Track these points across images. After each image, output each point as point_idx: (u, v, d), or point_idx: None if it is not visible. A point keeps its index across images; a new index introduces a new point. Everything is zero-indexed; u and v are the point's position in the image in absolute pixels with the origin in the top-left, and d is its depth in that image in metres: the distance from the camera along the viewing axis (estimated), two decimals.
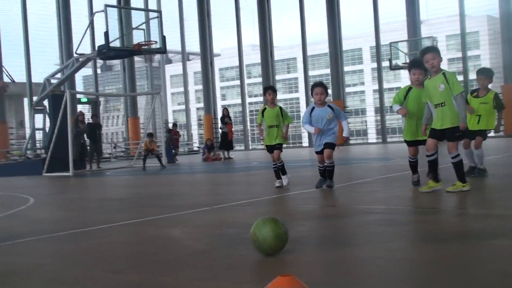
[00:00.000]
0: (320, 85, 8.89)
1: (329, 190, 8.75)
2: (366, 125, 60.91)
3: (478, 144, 9.56)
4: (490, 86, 9.77)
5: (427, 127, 7.82)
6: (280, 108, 9.94)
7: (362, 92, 79.44)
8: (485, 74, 9.70)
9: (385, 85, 34.26)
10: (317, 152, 9.09)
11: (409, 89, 8.25)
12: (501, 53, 30.17)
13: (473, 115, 9.52)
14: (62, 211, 8.96)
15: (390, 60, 30.38)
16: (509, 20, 28.63)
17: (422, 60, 7.61)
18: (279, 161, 9.78)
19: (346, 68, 35.91)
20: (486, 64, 62.43)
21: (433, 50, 7.71)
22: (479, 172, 9.62)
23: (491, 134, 30.45)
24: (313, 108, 8.87)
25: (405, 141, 8.46)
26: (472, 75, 56.60)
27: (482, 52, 64.49)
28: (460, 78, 32.50)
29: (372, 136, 45.48)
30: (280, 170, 9.84)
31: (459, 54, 33.41)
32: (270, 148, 9.89)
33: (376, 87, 39.24)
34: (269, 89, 9.93)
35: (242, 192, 8.80)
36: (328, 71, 37.19)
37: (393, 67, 30.96)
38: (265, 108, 9.92)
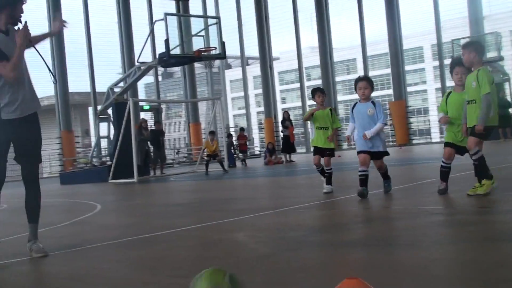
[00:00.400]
0: (364, 79, 8.46)
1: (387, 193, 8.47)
2: (429, 124, 59.90)
3: None
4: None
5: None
6: (331, 110, 9.68)
7: (424, 91, 78.17)
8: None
9: (448, 83, 33.61)
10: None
11: (448, 94, 7.86)
12: None
13: None
14: (127, 217, 9.12)
15: (452, 58, 29.80)
16: None
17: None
18: (328, 168, 9.48)
19: (407, 67, 35.44)
20: None
21: (467, 46, 7.41)
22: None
23: None
24: (355, 105, 8.48)
25: (444, 143, 7.91)
26: None
27: None
28: None
29: (435, 136, 44.67)
30: (328, 177, 9.47)
31: None
32: (317, 150, 9.52)
33: (439, 85, 38.54)
34: (318, 91, 9.62)
35: (304, 195, 8.76)
36: (388, 71, 36.75)
37: None
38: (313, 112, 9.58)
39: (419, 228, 5.55)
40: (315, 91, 9.63)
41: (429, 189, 8.28)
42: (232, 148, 25.91)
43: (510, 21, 48.54)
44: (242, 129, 28.73)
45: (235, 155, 26.27)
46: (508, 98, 27.83)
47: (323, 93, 9.59)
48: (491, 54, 28.91)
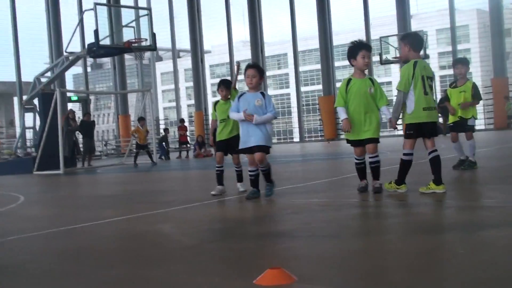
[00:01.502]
0: (253, 66, 7.72)
1: (272, 196, 7.73)
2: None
3: (469, 136, 9.70)
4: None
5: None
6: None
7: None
8: (462, 62, 9.66)
9: (376, 80, 34.29)
10: (240, 151, 7.78)
11: (348, 81, 7.32)
12: (491, 46, 30.27)
13: (455, 104, 9.62)
14: (51, 208, 8.94)
15: (380, 55, 30.42)
16: (498, 14, 28.74)
17: None
18: (238, 166, 8.81)
19: (336, 63, 35.96)
20: (476, 57, 62.65)
21: (403, 38, 7.30)
22: (469, 164, 9.65)
23: (482, 126, 30.41)
24: (242, 94, 7.73)
25: (350, 142, 7.48)
26: None
27: (472, 45, 64.64)
28: (450, 72, 32.56)
29: None
30: (238, 176, 8.85)
31: (449, 48, 33.50)
32: (223, 144, 8.58)
33: None
34: (221, 84, 8.78)
35: (232, 188, 8.79)
36: (318, 66, 37.20)
37: (384, 62, 31.01)
38: (217, 102, 8.90)
39: (343, 220, 5.67)
40: (219, 84, 8.83)
41: (354, 183, 8.45)
42: (165, 142, 25.77)
43: (436, 20, 49.90)
44: (182, 120, 28.61)
45: (176, 147, 26.27)
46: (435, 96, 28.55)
47: (227, 87, 8.63)
48: None
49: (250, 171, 7.91)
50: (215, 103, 8.91)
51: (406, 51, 7.00)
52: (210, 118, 9.39)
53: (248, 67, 7.72)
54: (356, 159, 7.51)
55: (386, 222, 5.52)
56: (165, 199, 8.84)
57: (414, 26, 34.63)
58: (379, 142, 7.35)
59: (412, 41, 7.01)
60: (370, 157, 7.35)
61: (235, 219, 6.38)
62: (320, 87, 37.62)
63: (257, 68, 7.73)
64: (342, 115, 7.27)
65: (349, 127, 7.18)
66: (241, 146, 7.67)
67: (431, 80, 7.00)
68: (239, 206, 7.30)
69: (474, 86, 9.60)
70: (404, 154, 7.00)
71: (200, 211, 7.06)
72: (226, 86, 8.71)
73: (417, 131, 6.91)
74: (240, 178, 8.85)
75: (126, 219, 6.80)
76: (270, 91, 55.62)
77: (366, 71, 7.39)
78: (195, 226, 5.92)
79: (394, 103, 7.02)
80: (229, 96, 8.64)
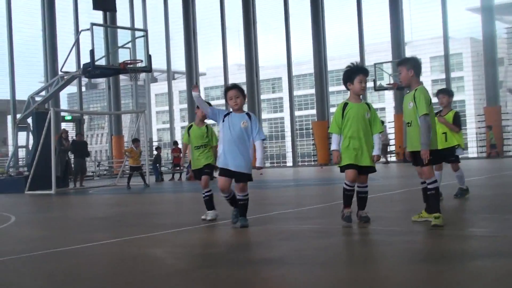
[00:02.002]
0: (234, 87, 7.34)
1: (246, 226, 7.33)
2: None
3: (455, 167, 9.58)
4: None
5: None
6: (207, 127, 8.67)
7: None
8: (444, 92, 9.64)
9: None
10: (221, 173, 7.23)
11: (344, 105, 7.03)
12: (484, 75, 30.49)
13: (439, 133, 9.26)
14: (43, 229, 8.89)
15: (374, 81, 30.55)
16: (491, 43, 28.99)
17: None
18: (207, 189, 8.47)
19: (331, 88, 36.10)
20: (470, 85, 63.04)
21: (404, 62, 6.88)
22: (461, 192, 9.64)
23: (474, 155, 30.40)
24: (229, 113, 7.27)
25: (344, 166, 6.97)
26: (456, 96, 57.11)
27: (466, 74, 65.07)
28: None
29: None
30: (207, 201, 8.46)
31: (443, 76, 33.69)
32: (199, 173, 8.56)
33: None
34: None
35: (225, 212, 8.77)
36: (313, 91, 37.34)
37: (378, 88, 31.13)
38: (191, 126, 8.70)
39: (335, 247, 5.66)
40: (197, 105, 8.24)
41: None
42: (158, 163, 25.73)
43: (430, 47, 50.27)
44: (175, 142, 28.57)
45: (169, 168, 26.20)
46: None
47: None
48: None
49: (224, 196, 7.47)
50: (189, 127, 8.69)
51: (410, 76, 6.70)
52: (181, 141, 9.07)
53: (228, 89, 7.37)
54: (347, 184, 6.95)
55: (378, 250, 5.52)
56: (157, 222, 8.80)
57: (408, 53, 34.82)
58: (375, 170, 7.11)
59: (416, 66, 6.77)
60: (361, 187, 7.05)
61: (227, 244, 6.36)
62: (314, 111, 37.71)
63: (238, 88, 7.36)
64: (333, 144, 6.99)
65: (340, 159, 6.92)
66: (220, 165, 7.21)
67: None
68: (231, 231, 7.28)
69: (456, 116, 9.53)
70: (430, 183, 6.55)
71: (192, 235, 7.04)
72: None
73: (435, 158, 6.65)
74: (210, 205, 8.41)
75: (117, 242, 6.77)
76: (264, 115, 55.78)
77: (362, 96, 7.19)
78: (187, 250, 5.90)
79: (421, 130, 6.45)
80: (205, 120, 8.50)
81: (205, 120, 8.67)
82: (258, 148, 7.23)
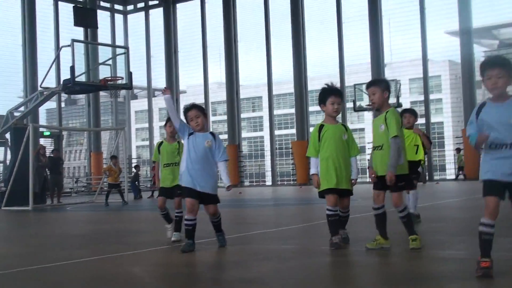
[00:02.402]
0: (193, 107, 7.05)
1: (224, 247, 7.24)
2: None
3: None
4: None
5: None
6: (179, 143, 8.30)
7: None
8: (409, 112, 9.22)
9: (349, 126, 34.56)
10: (188, 194, 6.86)
11: (320, 127, 6.80)
12: (462, 97, 30.83)
13: (412, 145, 8.92)
14: (20, 246, 8.79)
15: (354, 102, 30.75)
16: (470, 66, 29.34)
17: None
18: (179, 210, 8.21)
19: (311, 108, 36.23)
20: (448, 107, 63.65)
21: (375, 83, 6.62)
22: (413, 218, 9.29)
23: (452, 176, 30.57)
24: (193, 133, 6.98)
25: (324, 190, 6.72)
26: (434, 118, 57.69)
27: (444, 96, 65.71)
28: (422, 120, 33.09)
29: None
30: (178, 222, 8.20)
31: (422, 97, 33.97)
32: (166, 191, 8.31)
33: None
34: (168, 121, 8.20)
35: (204, 230, 8.74)
36: (293, 110, 37.47)
37: (357, 109, 31.32)
38: (161, 142, 8.49)
39: (314, 267, 5.66)
40: (168, 119, 8.16)
41: (326, 230, 8.46)
42: (137, 180, 25.63)
43: (409, 69, 50.76)
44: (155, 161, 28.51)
45: (147, 186, 26.16)
46: None
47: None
48: (390, 101, 30.06)
49: (188, 220, 6.91)
50: (159, 144, 8.47)
51: (384, 98, 6.49)
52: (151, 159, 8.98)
53: (188, 109, 7.04)
54: (329, 209, 6.67)
55: (357, 271, 5.54)
56: (136, 240, 8.76)
57: (388, 75, 35.18)
58: (352, 194, 6.96)
59: (389, 88, 6.61)
60: (343, 212, 6.90)
61: (206, 263, 6.34)
62: (293, 131, 37.82)
63: (197, 108, 7.04)
64: (312, 168, 6.75)
65: (318, 184, 6.67)
66: (186, 184, 6.89)
67: None
68: (209, 250, 7.26)
69: (425, 134, 9.44)
70: (401, 211, 6.35)
71: (171, 254, 7.01)
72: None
73: (407, 183, 6.50)
74: (178, 226, 8.15)
75: (95, 259, 6.72)
76: (244, 134, 55.76)
77: (339, 118, 7.03)
78: (166, 269, 5.87)
79: (391, 152, 6.23)
80: (176, 136, 8.31)
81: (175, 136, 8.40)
82: (222, 169, 6.98)
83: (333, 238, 6.64)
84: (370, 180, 6.46)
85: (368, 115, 52.37)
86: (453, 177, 30.91)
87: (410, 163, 7.19)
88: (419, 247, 6.25)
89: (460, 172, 29.48)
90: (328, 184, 6.63)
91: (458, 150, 30.11)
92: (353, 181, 6.76)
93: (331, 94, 6.76)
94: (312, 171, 6.75)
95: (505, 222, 8.75)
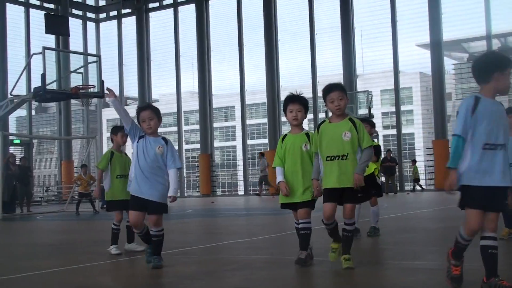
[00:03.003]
0: (148, 108, 6.58)
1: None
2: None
3: (374, 201, 8.75)
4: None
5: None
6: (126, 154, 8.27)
7: None
8: (366, 121, 8.76)
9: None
10: (132, 204, 6.50)
11: (284, 137, 6.60)
12: (433, 109, 31.17)
13: None
14: None
15: (326, 112, 30.86)
16: (440, 78, 29.66)
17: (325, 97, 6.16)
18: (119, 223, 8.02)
19: (283, 118, 36.34)
20: (419, 119, 64.29)
21: (341, 88, 6.17)
22: (374, 231, 8.85)
23: (424, 186, 30.76)
24: (143, 136, 6.51)
25: (282, 205, 6.65)
26: (405, 129, 58.10)
27: (415, 107, 66.38)
28: (393, 131, 33.37)
29: None
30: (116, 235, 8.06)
31: (393, 109, 34.27)
32: (122, 204, 7.88)
33: None
34: (121, 129, 7.97)
35: (176, 240, 8.71)
36: (265, 120, 37.54)
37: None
38: (113, 153, 8.11)
39: (286, 278, 5.67)
40: (115, 130, 8.25)
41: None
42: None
43: (380, 81, 51.25)
44: None
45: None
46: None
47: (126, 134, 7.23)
48: (362, 111, 30.31)
49: (138, 233, 6.69)
50: (111, 154, 8.06)
51: (346, 105, 6.15)
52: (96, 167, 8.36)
53: (142, 109, 6.56)
54: (296, 223, 6.62)
55: (327, 282, 5.56)
56: (106, 249, 8.69)
57: (360, 86, 35.37)
58: (313, 207, 6.41)
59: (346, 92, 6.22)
60: (300, 222, 6.41)
61: (178, 274, 6.31)
62: (266, 141, 37.90)
63: (152, 109, 6.55)
64: (278, 176, 6.45)
65: (287, 190, 6.33)
66: (132, 192, 6.48)
67: None
68: (182, 260, 7.23)
69: (376, 146, 8.89)
70: (349, 224, 6.06)
71: (142, 264, 6.96)
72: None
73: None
74: (131, 237, 7.98)
75: (66, 270, 6.65)
76: (217, 143, 55.63)
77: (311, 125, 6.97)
78: (137, 280, 5.84)
79: (364, 158, 5.95)
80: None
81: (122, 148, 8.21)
82: (172, 177, 6.40)
83: (300, 253, 6.31)
84: (314, 193, 6.19)
85: None
86: (424, 187, 31.17)
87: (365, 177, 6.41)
88: (353, 267, 5.86)
89: (416, 184, 30.04)
90: (286, 199, 6.47)
91: (413, 162, 30.61)
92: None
93: (289, 102, 6.49)
94: (279, 178, 6.43)
95: None
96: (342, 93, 6.07)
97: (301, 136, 6.44)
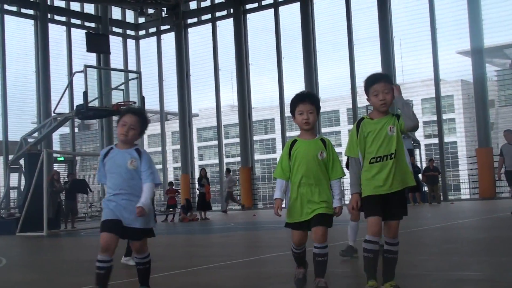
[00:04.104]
0: (129, 112, 5.42)
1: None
2: (343, 187, 60.96)
3: (356, 215, 7.49)
4: None
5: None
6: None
7: (339, 153, 79.62)
8: None
9: (330, 141, 34.54)
10: (105, 226, 5.31)
11: (292, 143, 5.48)
12: (475, 117, 30.70)
13: None
14: (34, 272, 8.79)
15: (367, 108, 30.69)
16: (482, 85, 29.22)
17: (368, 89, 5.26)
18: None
19: (323, 130, 36.29)
20: (461, 127, 63.39)
21: (387, 79, 5.25)
22: (350, 250, 7.70)
23: (467, 196, 30.33)
24: (110, 149, 5.43)
25: (288, 224, 5.45)
26: (448, 138, 57.30)
27: (457, 115, 65.56)
28: (435, 140, 32.91)
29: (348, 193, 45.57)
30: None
31: (434, 117, 33.88)
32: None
33: None
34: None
35: (219, 254, 8.70)
36: None
37: None
38: None
39: None
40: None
41: (336, 252, 8.40)
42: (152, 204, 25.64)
43: (421, 89, 50.76)
44: (171, 183, 28.57)
45: (160, 210, 26.39)
46: (418, 164, 28.98)
47: None
48: None
49: (101, 261, 5.47)
50: None
51: (392, 100, 5.22)
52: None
53: (128, 113, 5.40)
54: (294, 248, 5.52)
55: None
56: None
57: None
58: (330, 225, 5.33)
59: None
60: (316, 247, 5.23)
61: (222, 287, 6.29)
62: None
63: (141, 117, 5.40)
64: (277, 191, 5.38)
65: (280, 210, 5.29)
66: (106, 217, 5.35)
67: None
68: (225, 273, 7.21)
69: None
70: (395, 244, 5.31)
71: (185, 279, 6.96)
72: None
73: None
74: (129, 252, 8.29)
75: (108, 285, 6.68)
76: (257, 156, 55.63)
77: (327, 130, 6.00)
78: None
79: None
80: None
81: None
82: (145, 190, 5.19)
83: (297, 272, 5.61)
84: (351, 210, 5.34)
85: None
86: (468, 196, 30.65)
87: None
88: None
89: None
90: (292, 218, 5.36)
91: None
92: (336, 209, 5.34)
93: (299, 102, 5.46)
94: (277, 194, 5.38)
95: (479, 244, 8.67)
96: (389, 85, 5.15)
97: (315, 142, 5.41)
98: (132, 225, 5.27)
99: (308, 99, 5.47)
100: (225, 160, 41.87)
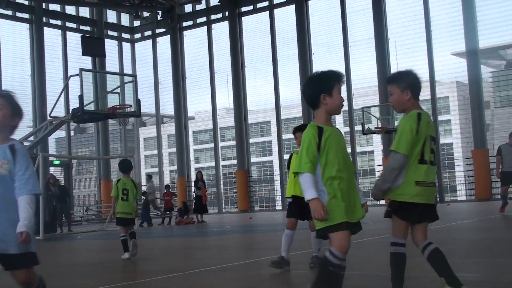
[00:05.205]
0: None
1: None
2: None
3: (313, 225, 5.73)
4: None
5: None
6: (133, 180, 10.40)
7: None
8: (302, 130, 6.69)
9: (358, 149, 34.47)
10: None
11: (319, 130, 4.26)
12: (471, 118, 30.76)
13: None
14: None
15: (362, 125, 30.73)
16: (477, 86, 29.28)
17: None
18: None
19: None
20: (457, 128, 63.50)
21: (390, 80, 4.91)
22: (317, 261, 7.12)
23: (463, 198, 30.43)
24: None
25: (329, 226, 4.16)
26: (444, 140, 57.29)
27: (453, 117, 65.66)
28: None
29: None
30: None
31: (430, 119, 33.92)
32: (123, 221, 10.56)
33: (349, 150, 39.52)
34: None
35: (215, 257, 8.69)
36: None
37: (366, 132, 31.30)
38: (118, 180, 10.32)
39: None
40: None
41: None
42: (149, 207, 25.59)
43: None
44: (167, 186, 28.54)
45: (159, 212, 26.39)
46: None
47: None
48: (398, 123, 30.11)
49: None
50: (117, 181, 10.27)
51: (405, 99, 4.75)
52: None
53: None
54: (337, 258, 4.23)
55: None
56: (146, 268, 8.71)
57: None
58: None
59: (413, 85, 4.80)
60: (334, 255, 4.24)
61: None
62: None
63: (5, 97, 4.24)
64: (308, 191, 4.11)
65: (325, 211, 4.05)
66: None
67: (434, 142, 4.76)
68: (222, 276, 7.20)
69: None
70: (430, 245, 5.03)
71: (182, 282, 6.96)
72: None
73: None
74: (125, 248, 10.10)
75: None
76: (253, 158, 55.39)
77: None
78: None
79: (385, 168, 4.62)
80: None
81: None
82: (23, 207, 3.97)
83: None
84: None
85: (376, 138, 52.31)
86: (464, 198, 30.72)
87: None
88: None
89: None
90: (341, 216, 4.16)
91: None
92: (365, 206, 4.43)
93: (340, 81, 4.44)
94: (310, 194, 4.10)
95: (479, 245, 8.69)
96: (391, 87, 4.81)
97: (339, 131, 4.46)
98: (7, 250, 3.98)
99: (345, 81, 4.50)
100: (221, 163, 41.81)
